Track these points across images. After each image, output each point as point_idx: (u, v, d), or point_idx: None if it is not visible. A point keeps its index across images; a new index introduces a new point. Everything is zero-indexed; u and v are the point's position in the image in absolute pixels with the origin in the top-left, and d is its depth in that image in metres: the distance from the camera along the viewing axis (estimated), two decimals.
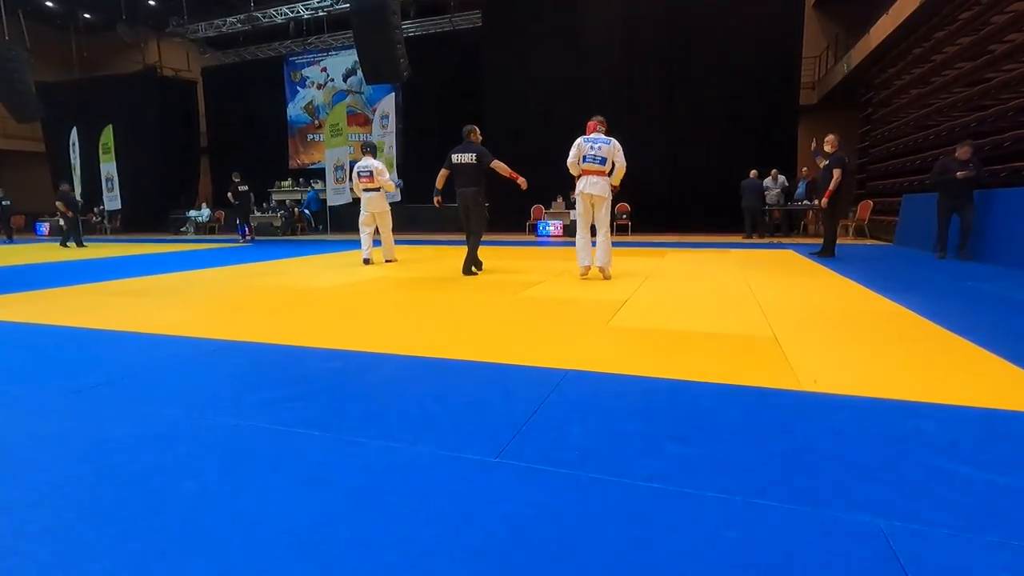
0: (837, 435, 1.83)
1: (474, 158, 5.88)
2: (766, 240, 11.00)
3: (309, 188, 17.07)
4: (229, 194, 13.29)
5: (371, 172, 7.32)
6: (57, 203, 12.39)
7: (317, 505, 1.44)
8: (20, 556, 1.25)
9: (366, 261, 7.35)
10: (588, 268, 5.62)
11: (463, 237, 6.29)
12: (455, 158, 5.93)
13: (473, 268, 6.06)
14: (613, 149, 5.39)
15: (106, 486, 1.56)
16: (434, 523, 1.35)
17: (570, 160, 5.46)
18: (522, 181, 5.84)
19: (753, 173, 11.43)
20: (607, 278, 5.52)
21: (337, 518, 1.38)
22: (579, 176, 5.47)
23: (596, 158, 5.39)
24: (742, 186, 11.44)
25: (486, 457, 1.70)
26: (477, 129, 6.11)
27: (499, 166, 5.91)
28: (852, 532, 1.29)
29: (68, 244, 12.42)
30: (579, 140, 5.45)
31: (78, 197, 16.84)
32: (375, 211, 7.47)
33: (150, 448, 1.81)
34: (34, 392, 2.40)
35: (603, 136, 5.46)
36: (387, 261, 7.50)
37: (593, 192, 5.42)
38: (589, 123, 5.59)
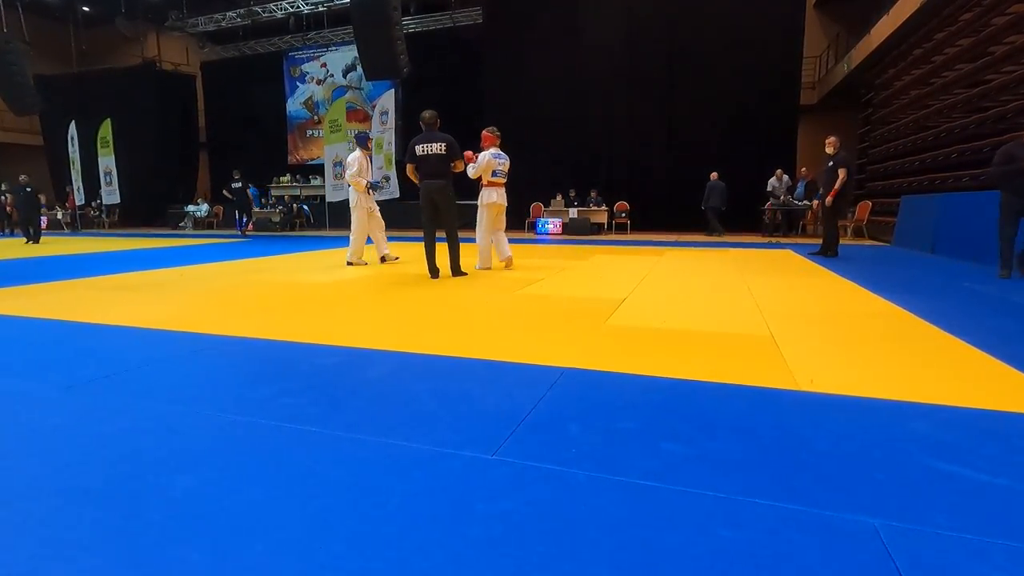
0: (833, 435, 1.83)
1: (443, 148, 5.34)
2: (765, 240, 11.01)
3: (250, 185, 17.21)
4: (224, 191, 13.34)
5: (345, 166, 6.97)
6: (8, 195, 11.77)
7: (314, 501, 1.44)
8: (15, 550, 1.25)
9: (383, 259, 7.09)
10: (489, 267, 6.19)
11: (461, 235, 5.90)
12: (421, 149, 5.38)
13: (458, 269, 5.65)
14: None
15: (101, 481, 1.56)
16: (430, 520, 1.35)
17: (478, 172, 5.91)
18: (460, 166, 5.61)
19: (714, 175, 11.88)
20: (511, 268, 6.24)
21: (333, 514, 1.38)
22: (486, 185, 6.02)
23: (503, 173, 6.06)
24: (707, 188, 11.91)
25: (483, 454, 1.70)
26: (438, 116, 5.55)
27: (459, 165, 5.54)
28: (847, 531, 1.29)
29: (28, 239, 11.43)
30: (490, 155, 5.90)
31: (78, 191, 16.84)
32: (351, 206, 7.00)
33: (146, 443, 1.81)
34: (29, 386, 2.40)
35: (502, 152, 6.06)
36: (348, 263, 6.89)
37: (503, 202, 6.09)
38: (489, 136, 6.00)
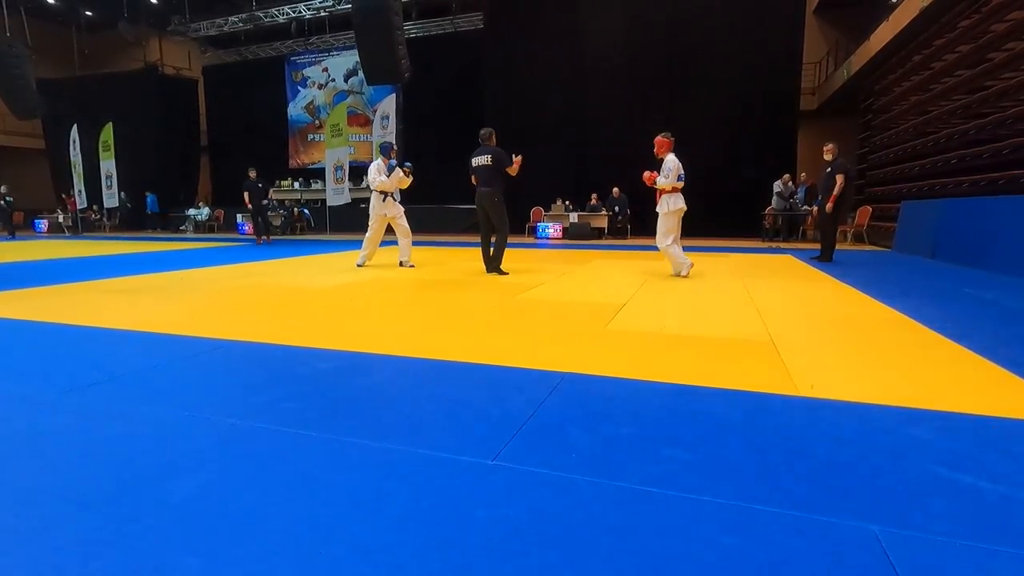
0: (833, 441, 1.83)
1: (489, 160, 6.07)
2: (765, 245, 11.02)
3: (146, 193, 17.83)
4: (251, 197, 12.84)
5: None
6: None
7: (313, 506, 1.44)
8: (14, 555, 1.25)
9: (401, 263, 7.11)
10: None
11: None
12: (473, 161, 6.17)
13: (502, 268, 6.20)
14: None
15: (100, 485, 1.56)
16: (430, 525, 1.35)
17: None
18: (516, 164, 6.10)
19: (615, 190, 12.94)
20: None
21: (333, 520, 1.38)
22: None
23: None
24: (610, 199, 13.02)
25: (483, 460, 1.70)
26: (494, 133, 6.26)
27: (512, 170, 6.07)
28: (848, 538, 1.29)
29: None
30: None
31: (79, 194, 16.87)
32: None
33: (147, 447, 1.81)
34: (30, 390, 2.40)
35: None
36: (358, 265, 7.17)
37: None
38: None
